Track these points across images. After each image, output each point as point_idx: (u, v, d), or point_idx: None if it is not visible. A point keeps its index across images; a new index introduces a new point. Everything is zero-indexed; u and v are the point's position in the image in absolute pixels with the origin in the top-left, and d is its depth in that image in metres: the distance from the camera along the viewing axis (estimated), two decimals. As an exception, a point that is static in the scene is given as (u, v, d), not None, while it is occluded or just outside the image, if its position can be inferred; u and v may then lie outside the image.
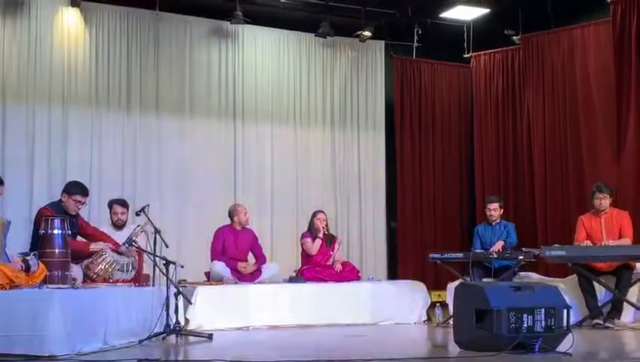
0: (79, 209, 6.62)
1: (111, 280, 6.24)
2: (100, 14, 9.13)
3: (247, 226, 8.27)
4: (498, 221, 8.19)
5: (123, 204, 7.63)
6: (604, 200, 7.38)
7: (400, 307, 7.95)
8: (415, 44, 10.55)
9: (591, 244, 7.27)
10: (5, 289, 5.04)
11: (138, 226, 6.76)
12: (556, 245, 7.37)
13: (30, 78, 8.71)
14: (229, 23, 9.58)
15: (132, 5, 9.30)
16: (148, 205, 6.71)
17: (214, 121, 9.73)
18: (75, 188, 6.61)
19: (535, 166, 9.90)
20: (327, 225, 8.35)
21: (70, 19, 8.96)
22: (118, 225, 7.46)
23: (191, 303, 6.72)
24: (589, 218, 7.51)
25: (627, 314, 7.23)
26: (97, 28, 9.10)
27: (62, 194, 6.59)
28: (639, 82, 8.50)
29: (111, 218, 7.57)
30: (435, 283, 9.40)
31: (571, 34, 9.61)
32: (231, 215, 8.19)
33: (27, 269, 5.31)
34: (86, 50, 9.02)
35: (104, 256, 6.26)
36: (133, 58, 9.27)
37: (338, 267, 8.25)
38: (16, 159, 8.53)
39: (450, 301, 7.48)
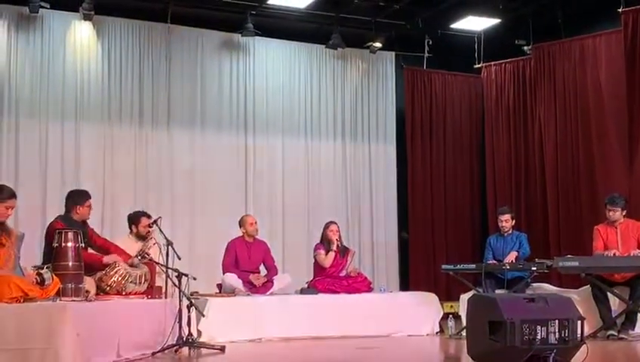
0: (92, 210, 6.71)
1: (124, 293, 6.25)
2: (112, 28, 9.21)
3: (258, 238, 8.27)
4: (510, 232, 8.15)
5: (149, 216, 7.64)
6: (614, 213, 7.36)
7: (412, 318, 7.91)
8: (426, 55, 10.58)
9: (616, 252, 7.21)
10: (19, 302, 5.05)
11: (152, 239, 6.78)
12: (569, 256, 7.34)
13: (43, 92, 8.80)
14: (240, 35, 9.63)
15: (144, 19, 9.37)
16: (160, 217, 6.75)
17: (225, 133, 9.77)
18: (82, 196, 6.69)
19: (547, 176, 9.87)
20: (340, 237, 8.31)
21: (82, 33, 9.04)
22: (147, 237, 7.41)
23: (203, 315, 6.72)
24: (604, 227, 7.47)
25: (641, 325, 7.18)
26: (109, 41, 9.18)
27: (72, 207, 6.60)
28: (651, 91, 8.49)
29: (138, 230, 7.45)
30: (446, 294, 9.39)
31: (582, 44, 9.59)
32: (240, 226, 8.21)
33: (41, 282, 5.33)
34: (98, 63, 9.10)
35: (117, 269, 6.28)
36: (145, 71, 9.34)
37: (352, 272, 8.26)
38: (29, 172, 8.61)
39: (462, 312, 7.46)
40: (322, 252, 8.21)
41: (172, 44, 9.46)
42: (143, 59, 9.34)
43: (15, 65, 8.68)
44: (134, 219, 7.57)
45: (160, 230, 6.53)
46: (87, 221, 6.74)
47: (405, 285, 10.22)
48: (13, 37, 8.69)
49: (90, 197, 6.71)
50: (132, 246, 7.00)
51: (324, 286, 8.02)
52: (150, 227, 7.03)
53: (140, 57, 9.32)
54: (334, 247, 8.18)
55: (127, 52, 9.27)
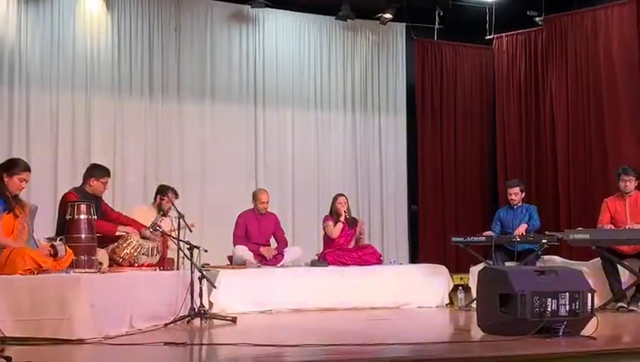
0: (106, 189, 6.71)
1: (136, 265, 6.30)
2: (122, 0, 9.16)
3: (268, 210, 8.29)
4: (520, 204, 8.13)
5: (176, 193, 7.57)
6: (629, 183, 7.32)
7: (422, 290, 7.94)
8: (436, 26, 10.48)
9: (613, 227, 7.22)
10: (33, 274, 5.10)
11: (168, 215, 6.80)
12: (580, 228, 7.34)
13: (53, 66, 8.78)
14: (249, 7, 9.58)
15: (153, -9, 9.34)
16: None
17: (235, 106, 9.76)
18: (101, 171, 6.69)
19: (558, 148, 9.83)
20: (348, 209, 8.34)
21: (92, 6, 9.01)
22: (167, 211, 7.33)
23: (215, 287, 6.76)
24: (613, 201, 7.46)
25: (651, 297, 7.18)
26: (119, 14, 9.15)
27: (89, 178, 6.62)
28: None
29: (161, 203, 7.32)
30: (456, 266, 9.40)
31: (595, 15, 9.50)
32: (253, 198, 8.24)
33: (55, 254, 5.37)
34: (108, 36, 9.08)
35: (129, 241, 6.33)
36: (155, 43, 9.31)
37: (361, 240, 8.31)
38: (40, 146, 8.63)
39: (472, 284, 7.49)
40: (330, 223, 8.26)
41: (181, 16, 9.43)
42: (152, 31, 9.31)
43: (25, 39, 8.65)
44: (163, 191, 7.47)
45: (172, 202, 6.58)
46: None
47: (415, 257, 10.24)
48: (23, 10, 8.65)
49: (107, 175, 6.68)
50: (151, 216, 7.01)
51: (334, 258, 8.06)
52: (161, 200, 7.05)
53: (149, 29, 9.29)
54: (342, 219, 8.22)
55: (137, 24, 9.23)
